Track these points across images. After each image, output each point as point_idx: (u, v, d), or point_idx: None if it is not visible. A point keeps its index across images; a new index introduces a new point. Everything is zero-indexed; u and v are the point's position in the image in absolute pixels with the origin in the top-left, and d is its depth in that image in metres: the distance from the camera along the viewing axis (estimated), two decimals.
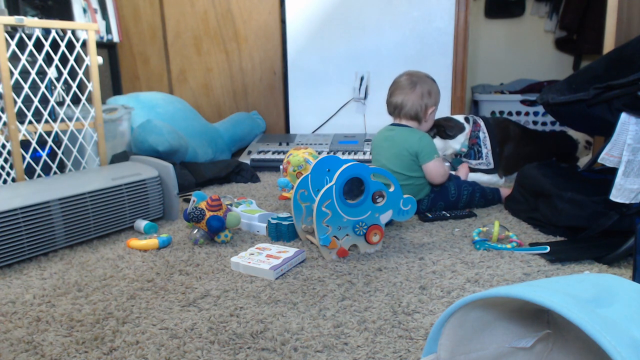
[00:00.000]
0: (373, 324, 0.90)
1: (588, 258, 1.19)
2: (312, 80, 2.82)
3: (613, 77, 1.16)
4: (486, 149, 2.00)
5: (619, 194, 1.15)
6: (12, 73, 1.52)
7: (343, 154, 2.45)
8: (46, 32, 1.77)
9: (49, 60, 1.65)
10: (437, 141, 2.01)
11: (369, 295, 1.02)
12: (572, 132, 2.21)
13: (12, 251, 1.24)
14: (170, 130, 2.12)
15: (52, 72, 1.72)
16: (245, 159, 2.48)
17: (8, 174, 1.59)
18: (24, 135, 1.56)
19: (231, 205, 1.60)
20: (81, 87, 1.74)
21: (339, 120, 2.87)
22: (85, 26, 1.67)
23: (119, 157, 2.04)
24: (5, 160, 1.58)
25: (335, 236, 1.23)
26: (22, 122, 1.56)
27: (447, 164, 2.05)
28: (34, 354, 0.84)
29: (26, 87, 1.57)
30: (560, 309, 0.42)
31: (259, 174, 2.32)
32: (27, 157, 1.58)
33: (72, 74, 1.69)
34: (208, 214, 1.34)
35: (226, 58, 2.96)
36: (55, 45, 1.60)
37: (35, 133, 1.61)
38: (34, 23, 1.54)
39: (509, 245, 1.27)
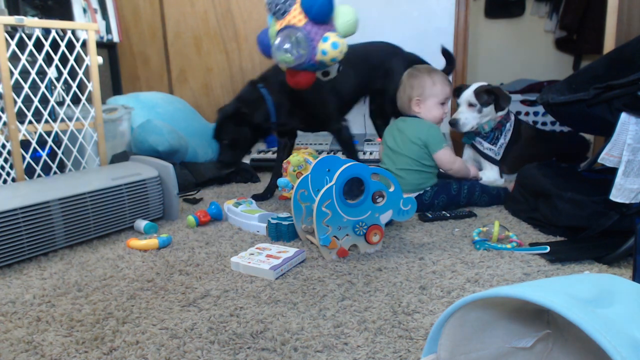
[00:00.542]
0: (373, 324, 0.90)
1: (588, 258, 1.19)
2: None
3: (613, 77, 1.16)
4: (504, 140, 2.01)
5: (619, 194, 1.15)
6: (12, 73, 1.52)
7: (343, 154, 2.45)
8: (46, 32, 1.77)
9: (49, 60, 1.65)
10: (470, 112, 1.98)
11: (369, 295, 1.02)
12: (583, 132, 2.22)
13: (12, 251, 1.24)
14: (170, 130, 2.12)
15: (52, 72, 1.72)
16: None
17: (8, 174, 1.59)
18: (24, 135, 1.56)
19: None
20: (81, 87, 1.74)
21: None
22: (85, 26, 1.67)
23: (119, 157, 2.04)
24: (5, 160, 1.58)
25: (335, 236, 1.23)
26: (22, 122, 1.56)
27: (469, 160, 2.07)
28: (34, 354, 0.84)
29: (26, 87, 1.57)
30: (560, 309, 0.43)
31: (259, 174, 2.32)
32: (27, 157, 1.58)
33: (72, 74, 1.69)
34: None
35: (226, 58, 2.96)
36: (55, 45, 1.60)
37: (35, 133, 1.61)
38: (34, 23, 1.54)
39: (509, 245, 1.27)
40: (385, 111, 1.98)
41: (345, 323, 0.91)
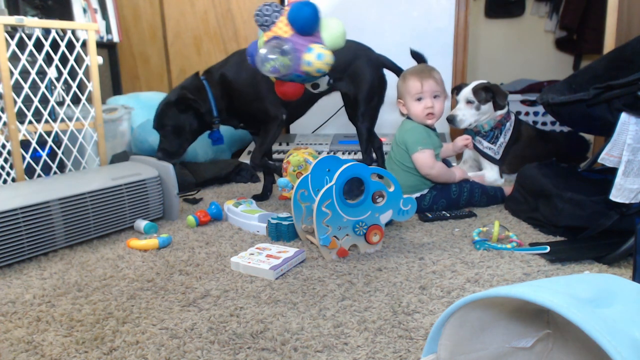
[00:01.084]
0: (373, 324, 0.90)
1: (588, 258, 1.19)
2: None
3: (613, 77, 1.16)
4: (503, 139, 2.01)
5: (619, 194, 1.15)
6: (12, 73, 1.52)
7: (343, 154, 2.45)
8: (46, 32, 1.77)
9: (49, 60, 1.65)
10: (468, 109, 1.98)
11: (369, 295, 1.02)
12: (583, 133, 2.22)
13: (12, 251, 1.24)
14: None
15: (52, 72, 1.72)
16: (245, 159, 2.48)
17: (8, 174, 1.59)
18: (24, 135, 1.56)
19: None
20: (81, 87, 1.74)
21: (339, 120, 2.87)
22: (85, 26, 1.67)
23: (119, 157, 2.04)
24: (5, 160, 1.58)
25: (335, 236, 1.23)
26: (22, 122, 1.56)
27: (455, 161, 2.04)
28: (34, 354, 0.84)
29: (26, 87, 1.57)
30: (560, 309, 0.43)
31: (259, 174, 2.32)
32: (27, 157, 1.58)
33: (72, 74, 1.69)
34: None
35: None
36: (55, 45, 1.60)
37: (35, 133, 1.61)
38: (34, 23, 1.54)
39: (509, 245, 1.27)
40: (355, 115, 1.88)
41: (345, 323, 0.91)
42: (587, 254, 1.20)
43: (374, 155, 2.12)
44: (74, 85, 1.68)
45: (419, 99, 1.61)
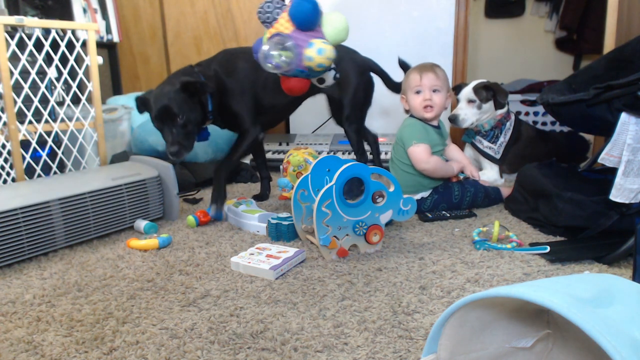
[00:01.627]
0: (373, 324, 0.90)
1: (588, 258, 1.19)
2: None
3: (613, 77, 1.16)
4: (504, 138, 2.01)
5: (619, 194, 1.15)
6: (12, 73, 1.52)
7: (343, 154, 2.45)
8: (46, 32, 1.77)
9: (49, 60, 1.65)
10: (470, 108, 1.98)
11: (369, 295, 1.02)
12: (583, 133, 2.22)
13: (12, 251, 1.24)
14: None
15: (52, 72, 1.73)
16: (245, 159, 2.48)
17: (8, 174, 1.59)
18: (24, 135, 1.56)
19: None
20: (81, 87, 1.74)
21: None
22: (85, 26, 1.67)
23: (119, 157, 2.04)
24: (5, 160, 1.58)
25: (335, 236, 1.23)
26: (22, 122, 1.56)
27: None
28: (34, 354, 0.84)
29: (26, 87, 1.57)
30: (560, 309, 0.43)
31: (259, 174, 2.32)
32: (27, 157, 1.58)
33: (72, 74, 1.69)
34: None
35: None
36: (55, 45, 1.60)
37: (35, 133, 1.61)
38: (34, 23, 1.54)
39: (509, 245, 1.27)
40: (341, 118, 1.84)
41: (345, 323, 0.91)
42: (587, 254, 1.20)
43: (370, 155, 2.11)
44: (74, 85, 1.68)
45: (418, 92, 1.62)
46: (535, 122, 2.76)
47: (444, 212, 1.61)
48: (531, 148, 2.06)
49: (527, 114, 2.80)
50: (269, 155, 2.48)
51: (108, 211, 1.45)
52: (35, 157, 1.64)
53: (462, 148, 2.21)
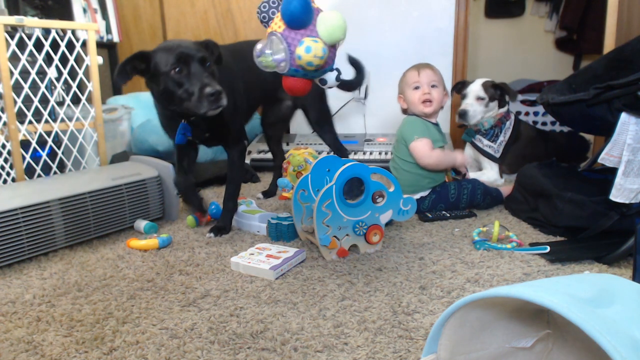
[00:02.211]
0: (373, 324, 0.90)
1: (588, 258, 1.19)
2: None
3: (613, 77, 1.16)
4: (503, 137, 2.02)
5: (619, 194, 1.15)
6: (12, 73, 1.52)
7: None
8: (46, 32, 1.77)
9: (49, 60, 1.65)
10: (478, 105, 1.99)
11: (369, 295, 1.02)
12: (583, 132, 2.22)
13: (12, 251, 1.24)
14: None
15: (52, 72, 1.73)
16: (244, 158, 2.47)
17: (8, 174, 1.59)
18: (24, 135, 1.56)
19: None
20: (81, 87, 1.74)
21: (339, 120, 2.87)
22: (85, 26, 1.67)
23: (119, 157, 2.04)
24: (5, 160, 1.58)
25: (335, 236, 1.23)
26: (22, 122, 1.56)
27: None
28: (34, 354, 0.84)
29: (26, 87, 1.57)
30: (560, 309, 0.43)
31: (259, 174, 2.32)
32: (27, 157, 1.58)
33: (72, 74, 1.69)
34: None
35: None
36: (55, 45, 1.60)
37: (35, 133, 1.61)
38: (34, 23, 1.54)
39: (509, 245, 1.27)
40: (310, 123, 1.83)
41: (345, 323, 0.91)
42: (587, 254, 1.20)
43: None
44: (74, 85, 1.68)
45: (417, 88, 1.63)
46: (535, 122, 2.76)
47: (444, 212, 1.61)
48: (531, 148, 2.06)
49: (527, 114, 2.80)
50: (269, 155, 2.48)
51: (108, 211, 1.45)
52: (35, 157, 1.64)
53: (462, 147, 2.21)
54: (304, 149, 1.88)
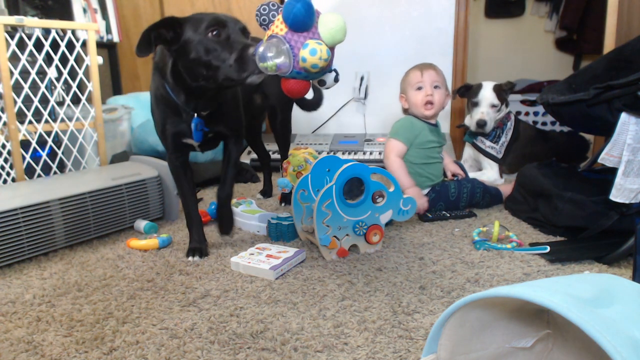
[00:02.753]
0: (373, 324, 0.90)
1: (588, 258, 1.19)
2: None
3: (613, 77, 1.16)
4: (505, 138, 2.02)
5: (619, 194, 1.15)
6: (12, 73, 1.52)
7: (343, 154, 2.45)
8: (46, 32, 1.77)
9: (49, 60, 1.65)
10: (493, 112, 1.99)
11: (369, 295, 1.02)
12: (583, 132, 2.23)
13: (12, 251, 1.24)
14: None
15: (52, 72, 1.72)
16: (245, 159, 2.48)
17: (8, 174, 1.59)
18: (24, 135, 1.56)
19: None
20: (81, 87, 1.74)
21: (339, 120, 2.87)
22: (85, 26, 1.67)
23: (119, 157, 2.04)
24: (5, 160, 1.58)
25: (335, 236, 1.23)
26: (22, 122, 1.56)
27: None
28: (34, 354, 0.84)
29: (26, 87, 1.57)
30: (560, 309, 0.43)
31: (259, 174, 2.32)
32: (27, 157, 1.58)
33: (72, 74, 1.69)
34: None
35: None
36: (55, 45, 1.60)
37: (35, 133, 1.61)
38: (34, 23, 1.54)
39: (509, 245, 1.27)
40: (274, 124, 1.83)
41: (345, 323, 0.91)
42: (587, 254, 1.20)
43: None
44: (74, 85, 1.68)
45: (419, 88, 1.63)
46: (535, 122, 2.76)
47: (444, 212, 1.61)
48: (530, 147, 2.06)
49: (527, 114, 2.80)
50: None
51: (108, 211, 1.45)
52: (35, 157, 1.64)
53: (461, 148, 2.22)
54: (304, 149, 1.88)
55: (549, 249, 1.22)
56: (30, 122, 1.59)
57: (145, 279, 1.15)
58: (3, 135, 1.54)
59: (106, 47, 2.88)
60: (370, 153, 2.45)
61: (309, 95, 1.96)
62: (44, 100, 1.67)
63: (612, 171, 1.17)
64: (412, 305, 0.97)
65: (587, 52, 3.52)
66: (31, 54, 1.55)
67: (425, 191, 1.65)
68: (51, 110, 1.68)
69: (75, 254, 1.34)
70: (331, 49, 1.12)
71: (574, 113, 1.32)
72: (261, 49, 1.07)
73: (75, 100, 1.71)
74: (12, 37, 1.51)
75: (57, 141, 1.71)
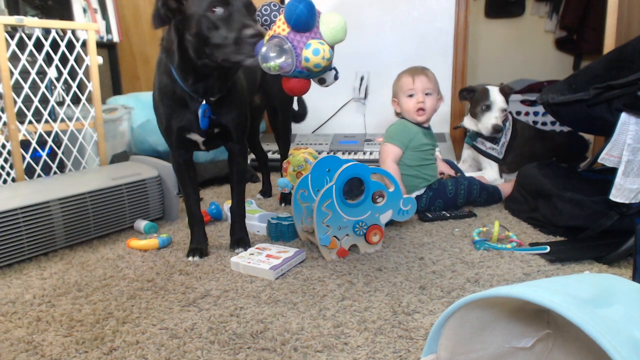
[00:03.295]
0: (373, 324, 0.90)
1: (588, 258, 1.19)
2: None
3: (613, 77, 1.16)
4: (505, 138, 2.03)
5: (619, 194, 1.15)
6: (12, 73, 1.52)
7: (343, 154, 2.45)
8: (46, 32, 1.77)
9: (49, 60, 1.65)
10: (503, 117, 1.99)
11: (369, 295, 1.02)
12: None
13: (12, 251, 1.24)
14: None
15: (52, 72, 1.72)
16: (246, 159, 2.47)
17: (8, 174, 1.59)
18: (24, 135, 1.56)
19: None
20: (81, 87, 1.74)
21: (339, 120, 2.87)
22: (85, 26, 1.67)
23: (119, 157, 2.04)
24: (5, 160, 1.58)
25: (335, 236, 1.23)
26: (22, 122, 1.56)
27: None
28: (34, 354, 0.84)
29: (26, 87, 1.57)
30: (560, 309, 0.42)
31: (259, 174, 2.31)
32: (27, 157, 1.58)
33: (72, 74, 1.69)
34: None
35: None
36: (55, 45, 1.60)
37: (35, 133, 1.61)
38: (34, 23, 1.54)
39: (509, 245, 1.27)
40: (275, 124, 1.84)
41: (345, 323, 0.91)
42: (587, 254, 1.20)
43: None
44: (74, 85, 1.68)
45: (411, 95, 1.63)
46: (535, 122, 2.75)
47: (444, 212, 1.61)
48: (529, 146, 2.06)
49: (527, 114, 2.80)
50: (269, 155, 2.48)
51: (108, 211, 1.45)
52: (35, 157, 1.64)
53: (460, 147, 2.22)
54: (304, 149, 1.88)
55: (549, 249, 1.22)
56: (30, 122, 1.59)
57: (145, 279, 1.15)
58: (3, 135, 1.54)
59: (106, 47, 2.88)
60: (370, 153, 2.45)
61: (295, 106, 2.00)
62: (44, 100, 1.67)
63: (612, 171, 1.17)
64: (412, 305, 0.97)
65: (587, 52, 3.52)
66: (31, 54, 1.55)
67: (421, 191, 1.65)
68: (51, 110, 1.68)
69: (75, 254, 1.34)
70: (332, 47, 1.12)
71: (574, 113, 1.32)
72: (264, 49, 1.07)
73: (75, 100, 1.71)
74: (12, 37, 1.51)
75: (57, 141, 1.71)
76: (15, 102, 1.54)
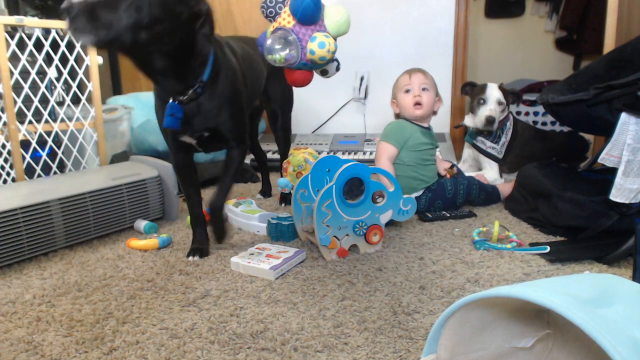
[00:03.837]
0: (373, 324, 0.90)
1: (588, 258, 1.19)
2: (312, 79, 2.82)
3: (613, 77, 1.16)
4: (505, 138, 2.03)
5: (619, 194, 1.15)
6: (12, 73, 1.52)
7: (343, 154, 2.45)
8: (46, 32, 1.77)
9: (49, 60, 1.65)
10: (499, 110, 2.00)
11: (369, 295, 1.02)
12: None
13: (12, 251, 1.24)
14: None
15: (52, 72, 1.72)
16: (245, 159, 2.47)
17: (8, 174, 1.59)
18: (24, 135, 1.56)
19: None
20: (81, 87, 1.74)
21: (339, 120, 2.87)
22: None
23: (119, 157, 2.04)
24: (5, 160, 1.58)
25: (335, 236, 1.23)
26: (22, 122, 1.56)
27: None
28: (34, 354, 0.84)
29: (26, 87, 1.57)
30: (560, 309, 0.43)
31: (259, 174, 2.32)
32: (27, 157, 1.58)
33: (72, 74, 1.69)
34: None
35: None
36: (55, 45, 1.60)
37: (35, 133, 1.61)
38: (34, 23, 1.54)
39: (509, 245, 1.27)
40: (274, 125, 1.82)
41: (345, 323, 0.91)
42: (587, 254, 1.20)
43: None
44: (74, 85, 1.68)
45: (407, 91, 1.65)
46: (535, 122, 2.76)
47: (444, 212, 1.61)
48: (529, 146, 2.07)
49: (527, 114, 2.80)
50: (269, 156, 2.48)
51: (108, 211, 1.45)
52: (35, 157, 1.64)
53: (460, 147, 2.21)
54: (304, 149, 1.88)
55: (549, 249, 1.22)
56: (30, 122, 1.59)
57: (145, 279, 1.15)
58: (3, 135, 1.54)
59: None
60: (370, 153, 2.45)
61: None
62: (44, 100, 1.67)
63: (612, 171, 1.17)
64: (412, 305, 0.97)
65: (587, 52, 3.52)
66: (31, 54, 1.55)
67: (420, 192, 1.64)
68: (51, 110, 1.68)
69: (75, 254, 1.34)
70: (335, 40, 1.13)
71: (574, 113, 1.32)
72: (268, 41, 1.07)
73: (75, 100, 1.71)
74: (12, 37, 1.51)
75: (57, 141, 1.71)
76: (15, 102, 1.54)
